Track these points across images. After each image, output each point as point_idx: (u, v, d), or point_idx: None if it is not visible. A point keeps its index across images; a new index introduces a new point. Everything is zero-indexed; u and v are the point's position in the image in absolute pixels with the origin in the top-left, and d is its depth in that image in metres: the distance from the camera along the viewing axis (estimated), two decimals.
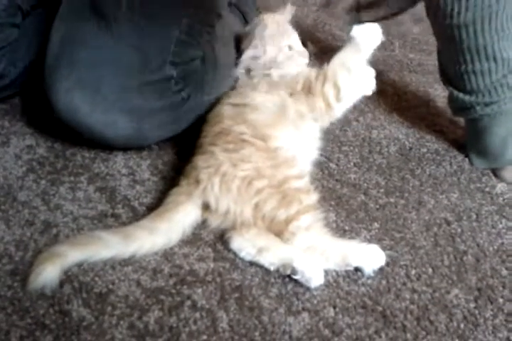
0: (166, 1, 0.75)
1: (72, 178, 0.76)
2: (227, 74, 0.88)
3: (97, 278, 0.62)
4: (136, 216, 0.71)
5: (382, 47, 1.22)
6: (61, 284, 0.61)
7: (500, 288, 0.67)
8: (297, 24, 1.28)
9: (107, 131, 0.74)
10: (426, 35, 1.30)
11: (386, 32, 1.28)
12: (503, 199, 0.81)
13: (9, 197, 0.72)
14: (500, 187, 0.83)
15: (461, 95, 0.83)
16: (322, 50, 1.13)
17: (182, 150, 0.82)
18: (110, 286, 0.61)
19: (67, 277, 0.62)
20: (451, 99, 0.86)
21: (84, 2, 0.76)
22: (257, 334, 0.59)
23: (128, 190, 0.75)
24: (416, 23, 1.36)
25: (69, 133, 0.80)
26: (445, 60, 0.85)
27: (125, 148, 0.80)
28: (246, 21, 0.96)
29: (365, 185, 0.81)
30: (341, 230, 0.73)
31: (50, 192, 0.74)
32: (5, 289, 0.60)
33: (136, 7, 0.74)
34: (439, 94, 1.05)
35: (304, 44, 0.86)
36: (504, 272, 0.69)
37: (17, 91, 0.90)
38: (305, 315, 0.61)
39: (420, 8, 1.43)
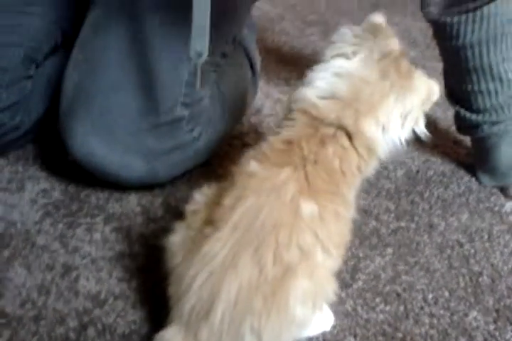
0: (174, 45, 0.77)
1: (88, 220, 0.78)
2: (234, 110, 0.91)
3: (119, 319, 0.63)
4: (153, 254, 0.72)
5: None
6: (85, 327, 0.62)
7: None
8: (296, 55, 1.33)
9: (122, 172, 0.76)
10: (422, 58, 1.33)
11: None
12: None
13: (28, 242, 0.74)
14: (510, 205, 0.84)
15: (468, 114, 0.84)
16: None
17: (193, 186, 0.84)
18: (132, 326, 0.62)
19: (90, 320, 0.63)
20: (458, 118, 0.87)
21: (94, 50, 0.79)
22: None
23: (143, 229, 0.77)
24: (412, 48, 1.39)
25: (82, 175, 0.82)
26: (451, 79, 0.86)
27: (138, 187, 0.82)
28: (248, 56, 0.99)
29: (376, 210, 0.82)
30: (356, 257, 0.74)
31: (68, 234, 0.75)
32: (29, 336, 0.61)
33: (146, 53, 0.76)
34: (440, 116, 1.07)
35: None
36: None
37: (31, 139, 0.92)
38: None
39: (416, 33, 1.48)
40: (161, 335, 0.56)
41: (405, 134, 0.59)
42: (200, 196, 0.60)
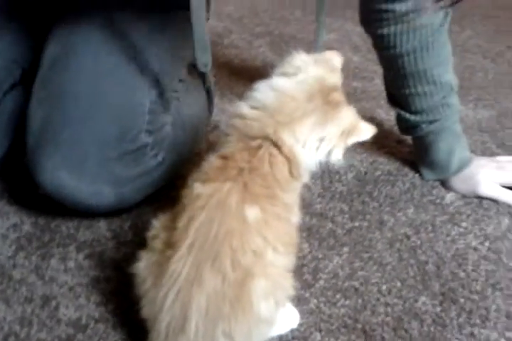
0: (135, 75, 0.81)
1: (61, 249, 0.81)
2: (195, 132, 0.95)
3: None
4: (126, 277, 0.76)
5: None
6: None
7: (460, 289, 0.74)
8: (247, 68, 1.39)
9: (92, 201, 0.79)
10: (365, 62, 1.40)
11: None
12: (453, 208, 0.89)
13: (4, 277, 0.76)
14: (450, 197, 0.91)
15: (407, 115, 0.92)
16: None
17: (159, 207, 0.88)
18: None
19: None
20: (399, 119, 0.95)
21: (57, 85, 0.81)
22: None
23: (115, 253, 0.80)
24: (354, 52, 1.46)
25: (50, 206, 0.85)
26: (391, 84, 0.94)
27: (106, 214, 0.86)
28: (201, 75, 1.03)
29: (331, 213, 0.88)
30: (316, 259, 0.79)
31: (43, 266, 0.78)
32: None
33: (109, 84, 0.80)
34: (384, 117, 1.14)
35: None
36: (462, 274, 0.77)
37: None
38: None
39: (357, 38, 1.56)
40: None
41: (319, 157, 0.64)
42: (157, 222, 0.64)
